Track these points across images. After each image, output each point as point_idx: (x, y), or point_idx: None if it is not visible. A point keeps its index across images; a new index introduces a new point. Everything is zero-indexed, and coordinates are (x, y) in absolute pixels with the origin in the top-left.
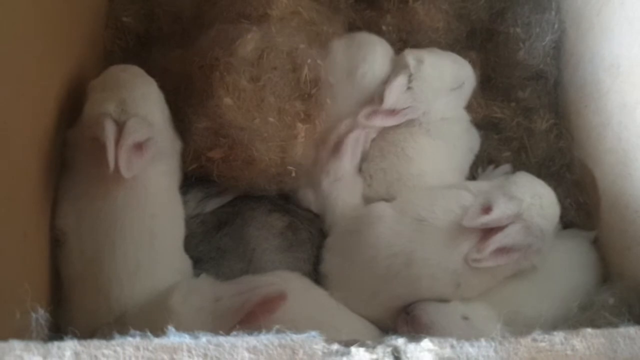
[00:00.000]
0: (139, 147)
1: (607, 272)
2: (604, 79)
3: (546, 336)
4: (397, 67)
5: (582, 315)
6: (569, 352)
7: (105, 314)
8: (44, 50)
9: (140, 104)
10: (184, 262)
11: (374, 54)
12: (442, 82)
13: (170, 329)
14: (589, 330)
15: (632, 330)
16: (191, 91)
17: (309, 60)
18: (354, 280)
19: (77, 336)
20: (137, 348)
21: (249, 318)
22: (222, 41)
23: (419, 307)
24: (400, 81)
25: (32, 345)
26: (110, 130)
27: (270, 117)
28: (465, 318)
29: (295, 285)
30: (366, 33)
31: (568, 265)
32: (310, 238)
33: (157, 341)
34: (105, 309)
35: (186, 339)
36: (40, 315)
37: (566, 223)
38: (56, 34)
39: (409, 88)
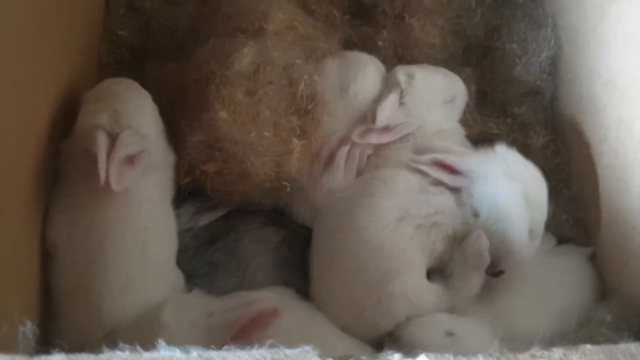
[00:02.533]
0: (131, 159)
1: (604, 288)
2: (601, 95)
3: (545, 352)
4: (388, 84)
5: (579, 332)
6: None
7: (95, 329)
8: (38, 62)
9: (134, 116)
10: (177, 277)
11: (365, 73)
12: (434, 95)
13: (161, 342)
14: (589, 346)
15: (632, 346)
16: (186, 104)
17: (305, 76)
18: (335, 290)
19: (65, 349)
20: None
21: (242, 334)
22: (218, 55)
23: (401, 327)
24: (391, 99)
25: (18, 358)
26: (102, 142)
27: (266, 132)
28: (450, 334)
29: (288, 302)
30: (358, 52)
31: (564, 281)
32: (305, 253)
33: (146, 355)
34: (96, 323)
35: (176, 353)
36: (28, 328)
37: (563, 239)
38: (51, 46)
39: (401, 104)
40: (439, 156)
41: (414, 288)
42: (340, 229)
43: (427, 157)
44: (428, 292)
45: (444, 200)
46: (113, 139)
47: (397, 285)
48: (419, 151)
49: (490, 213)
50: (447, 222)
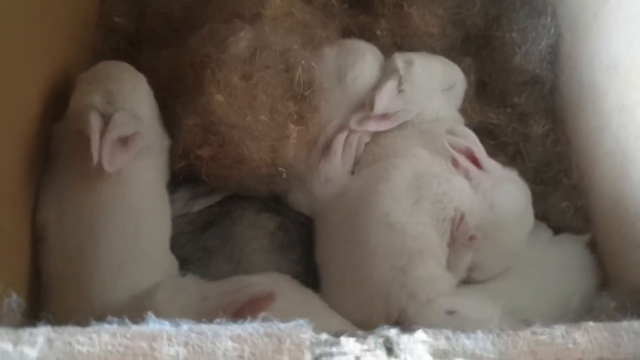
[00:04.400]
0: (125, 141)
1: (605, 277)
2: (602, 81)
3: (546, 329)
4: (387, 71)
5: (583, 319)
6: (570, 345)
7: (86, 313)
8: (31, 47)
9: (128, 98)
10: (170, 262)
11: (363, 61)
12: (433, 82)
13: (150, 315)
14: (591, 323)
15: (636, 324)
16: (181, 89)
17: (302, 62)
18: (358, 281)
19: (51, 322)
20: (114, 335)
21: (236, 318)
22: (214, 39)
23: (403, 316)
24: (389, 86)
25: (2, 331)
26: (95, 122)
27: (262, 116)
28: (451, 312)
29: (284, 287)
30: (356, 40)
31: (563, 270)
32: (302, 240)
33: (135, 328)
34: (87, 308)
35: (166, 327)
36: (13, 300)
37: (563, 228)
38: (45, 32)
39: (400, 91)
40: (474, 147)
41: (437, 270)
42: (360, 218)
43: (464, 143)
44: (447, 274)
45: (461, 181)
46: (106, 120)
47: (423, 266)
48: (453, 134)
49: (502, 216)
50: (462, 202)
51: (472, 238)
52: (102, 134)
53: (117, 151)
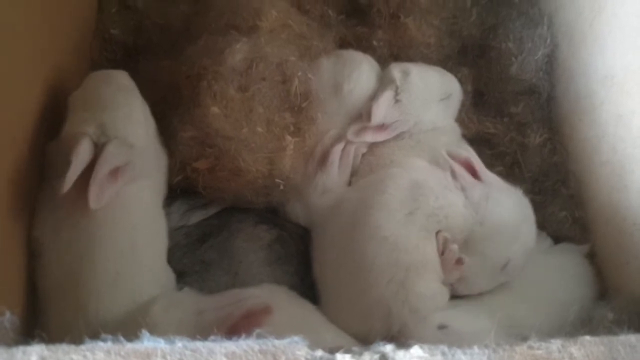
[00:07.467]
0: (115, 172)
1: (604, 287)
2: (598, 91)
3: (543, 343)
4: (384, 81)
5: (580, 331)
6: None
7: (82, 326)
8: (27, 58)
9: (122, 126)
10: (167, 275)
11: (360, 71)
12: (429, 92)
13: (144, 333)
14: (588, 337)
15: (633, 338)
16: (178, 101)
17: (299, 73)
18: (357, 295)
19: (45, 340)
20: (109, 353)
21: (233, 332)
22: (210, 51)
23: (404, 331)
24: (386, 96)
25: None
26: (81, 153)
27: (259, 128)
28: (443, 327)
29: (281, 299)
30: (352, 51)
31: (561, 280)
32: (299, 251)
33: (129, 346)
34: (83, 323)
35: (161, 344)
36: (7, 319)
37: (561, 238)
38: (41, 44)
39: (397, 101)
40: (472, 157)
41: (436, 283)
42: (356, 230)
43: (463, 154)
44: (444, 288)
45: (457, 196)
46: (99, 148)
47: (423, 280)
48: (452, 154)
49: (493, 228)
50: (456, 218)
51: (458, 262)
52: (91, 164)
53: (105, 185)
